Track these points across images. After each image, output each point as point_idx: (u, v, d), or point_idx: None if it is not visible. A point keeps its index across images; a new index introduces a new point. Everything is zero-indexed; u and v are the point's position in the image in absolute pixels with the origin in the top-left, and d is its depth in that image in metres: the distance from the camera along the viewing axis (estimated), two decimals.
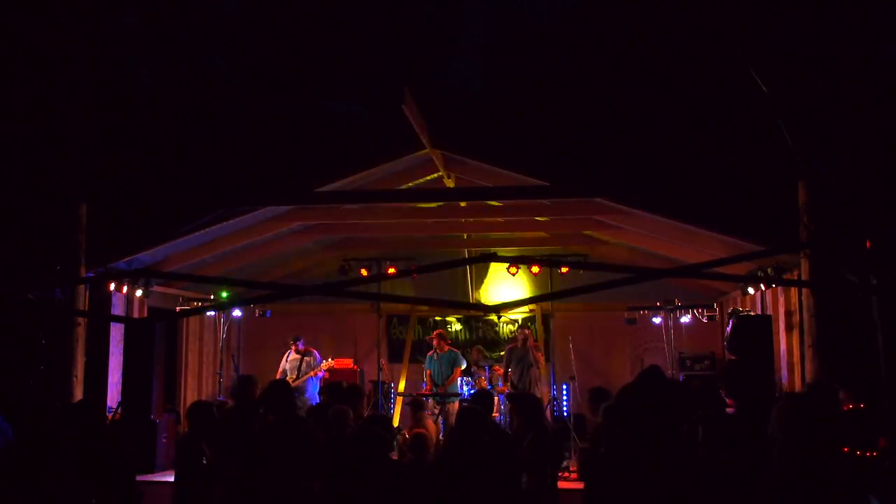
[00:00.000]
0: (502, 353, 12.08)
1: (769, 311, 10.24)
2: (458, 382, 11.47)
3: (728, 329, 10.13)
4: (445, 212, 11.50)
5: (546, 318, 13.35)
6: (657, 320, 11.68)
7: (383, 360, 12.72)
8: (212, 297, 12.22)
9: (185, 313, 11.74)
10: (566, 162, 18.09)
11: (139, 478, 6.06)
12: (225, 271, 11.77)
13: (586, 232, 12.08)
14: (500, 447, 4.12)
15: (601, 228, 11.56)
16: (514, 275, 12.79)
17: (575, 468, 9.59)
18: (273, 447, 5.26)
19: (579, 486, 7.90)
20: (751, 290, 10.80)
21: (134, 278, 10.20)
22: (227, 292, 12.28)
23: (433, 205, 11.31)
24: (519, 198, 10.42)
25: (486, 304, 13.66)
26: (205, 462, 5.68)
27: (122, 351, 10.38)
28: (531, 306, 13.35)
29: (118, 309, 10.27)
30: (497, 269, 13.53)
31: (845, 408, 6.37)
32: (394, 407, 12.78)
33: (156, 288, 11.18)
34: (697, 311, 11.59)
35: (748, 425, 4.14)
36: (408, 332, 13.84)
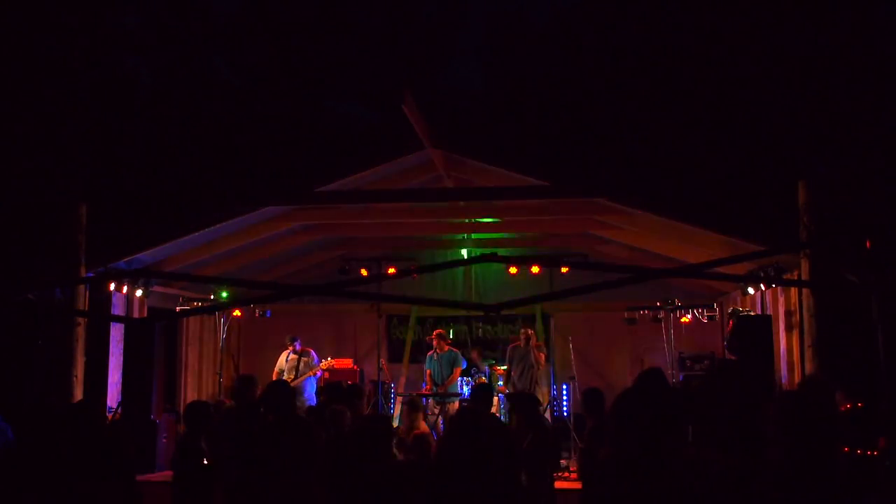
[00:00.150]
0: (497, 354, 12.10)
1: (769, 311, 10.23)
2: (458, 382, 11.47)
3: (728, 329, 10.13)
4: (445, 212, 11.50)
5: (546, 318, 13.35)
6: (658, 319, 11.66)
7: (383, 360, 12.71)
8: (212, 297, 12.22)
9: (185, 313, 11.73)
10: (566, 162, 18.08)
11: (139, 478, 6.05)
12: (225, 271, 11.77)
13: (586, 232, 12.07)
14: (499, 447, 4.12)
15: (601, 228, 11.56)
16: (514, 275, 12.79)
17: (575, 468, 9.58)
18: (273, 447, 5.26)
19: (578, 486, 7.90)
20: (751, 290, 10.80)
21: (134, 278, 10.19)
22: (227, 292, 12.29)
23: (433, 205, 11.30)
24: (519, 198, 10.41)
25: (486, 304, 13.64)
26: (204, 462, 5.67)
27: (122, 351, 10.37)
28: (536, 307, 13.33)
29: (118, 309, 10.27)
30: (497, 269, 13.52)
31: (842, 408, 6.37)
32: (394, 407, 12.78)
33: (156, 288, 11.17)
34: (697, 311, 11.59)
35: (745, 425, 4.14)
36: (408, 332, 13.85)
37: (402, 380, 13.45)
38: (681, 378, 11.53)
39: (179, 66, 20.59)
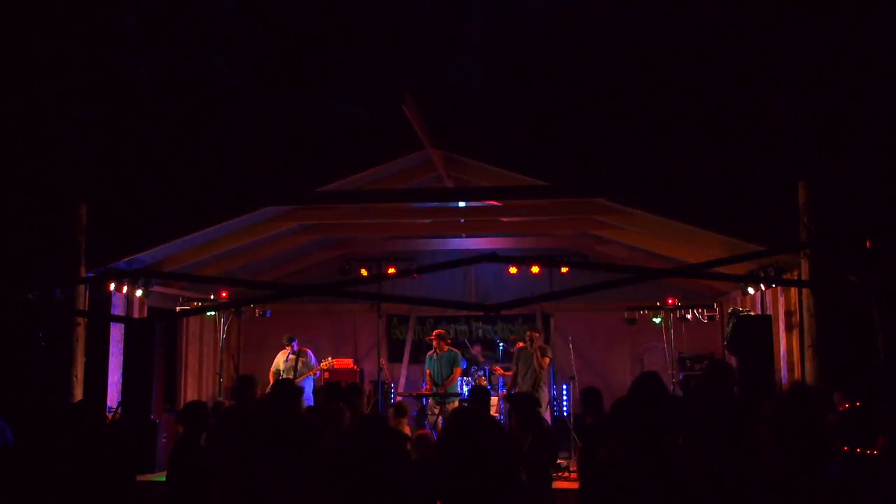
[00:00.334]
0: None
1: (769, 311, 10.23)
2: (458, 382, 11.47)
3: (728, 329, 10.13)
4: (445, 212, 11.50)
5: (546, 318, 13.35)
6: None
7: (383, 360, 12.72)
8: (212, 296, 12.23)
9: (185, 313, 11.73)
10: (566, 162, 18.07)
11: (139, 478, 6.05)
12: (225, 271, 11.77)
13: (586, 232, 12.08)
14: (497, 446, 4.13)
15: (601, 228, 11.56)
16: (514, 275, 12.80)
17: (575, 468, 9.59)
18: (280, 446, 5.26)
19: (578, 486, 7.91)
20: (751, 290, 10.80)
21: (134, 278, 10.20)
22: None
23: (433, 205, 11.31)
24: (519, 198, 10.41)
25: (486, 304, 13.65)
26: (200, 462, 5.67)
27: (122, 351, 10.38)
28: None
29: (118, 309, 10.27)
30: (497, 269, 13.52)
31: (841, 408, 6.38)
32: None
33: (156, 288, 11.18)
34: (697, 311, 11.60)
35: (740, 426, 4.15)
36: (408, 332, 13.85)
37: (402, 380, 13.46)
38: (681, 378, 11.54)
39: (179, 66, 20.59)
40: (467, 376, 11.85)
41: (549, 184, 9.80)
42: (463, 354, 11.87)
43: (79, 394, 8.95)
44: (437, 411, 10.88)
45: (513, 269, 12.73)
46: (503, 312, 13.61)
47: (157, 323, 11.80)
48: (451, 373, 11.28)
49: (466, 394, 11.01)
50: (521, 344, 11.51)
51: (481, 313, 13.43)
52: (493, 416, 7.25)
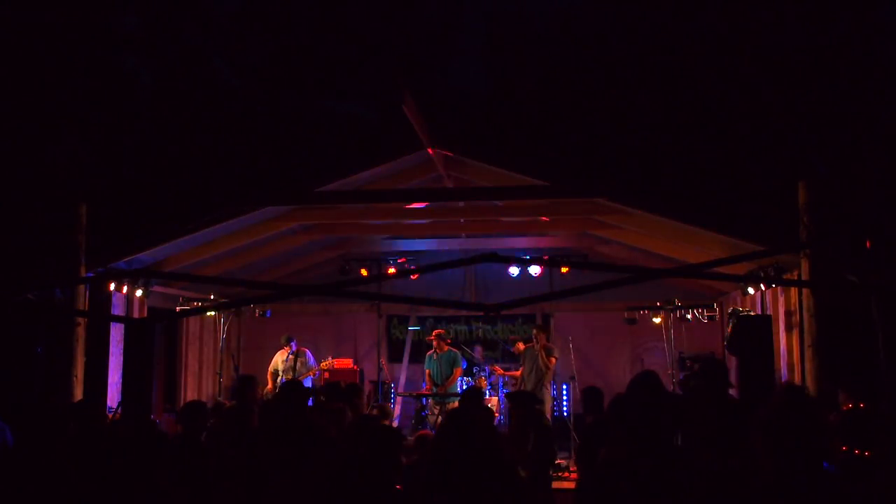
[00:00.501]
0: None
1: (769, 311, 10.24)
2: (458, 382, 11.47)
3: (728, 329, 10.13)
4: (445, 212, 11.50)
5: (546, 318, 13.35)
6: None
7: (383, 360, 12.73)
8: (212, 297, 12.24)
9: (185, 313, 11.74)
10: (566, 162, 18.07)
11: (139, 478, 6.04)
12: (225, 271, 11.77)
13: (586, 232, 12.08)
14: (492, 447, 4.13)
15: (601, 228, 11.56)
16: (514, 275, 12.79)
17: (575, 468, 9.58)
18: (282, 447, 5.26)
19: None
20: (751, 290, 10.80)
21: (134, 278, 10.20)
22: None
23: (433, 205, 11.31)
24: (519, 198, 10.41)
25: (486, 304, 13.64)
26: (196, 461, 5.66)
27: (122, 351, 10.38)
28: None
29: (118, 309, 10.27)
30: (497, 269, 13.52)
31: (844, 408, 6.37)
32: (394, 407, 12.78)
33: (156, 288, 11.18)
34: (697, 311, 11.59)
35: (736, 426, 4.15)
36: (408, 332, 13.85)
37: (402, 380, 13.46)
38: (681, 377, 11.54)
39: (179, 66, 20.59)
40: (468, 376, 11.85)
41: (549, 184, 9.80)
42: (463, 354, 11.88)
43: (79, 394, 8.94)
44: (437, 411, 10.89)
45: (513, 269, 12.73)
46: (503, 312, 13.62)
47: (157, 323, 11.81)
48: (452, 373, 11.29)
49: None
50: (521, 345, 11.52)
51: (481, 313, 13.43)
52: (489, 417, 7.24)
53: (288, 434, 5.32)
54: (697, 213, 9.69)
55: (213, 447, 5.83)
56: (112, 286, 10.05)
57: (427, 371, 11.58)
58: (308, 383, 11.38)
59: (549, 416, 10.73)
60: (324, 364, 11.87)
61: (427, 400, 11.25)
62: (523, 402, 7.22)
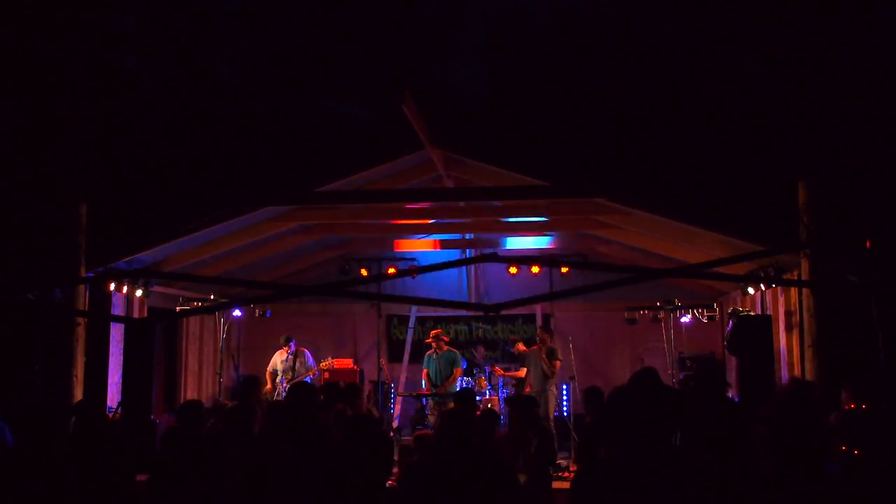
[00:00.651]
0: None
1: (769, 311, 10.23)
2: (458, 383, 11.46)
3: (728, 329, 10.13)
4: (445, 212, 11.50)
5: (546, 318, 13.35)
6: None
7: (383, 360, 12.72)
8: (212, 296, 12.23)
9: (185, 313, 11.73)
10: (566, 162, 18.08)
11: (139, 478, 6.05)
12: (225, 271, 11.77)
13: (586, 232, 12.07)
14: (488, 448, 4.14)
15: (601, 228, 11.56)
16: (514, 275, 12.79)
17: (575, 468, 9.59)
18: (287, 447, 5.26)
19: None
20: (751, 290, 10.80)
21: (134, 278, 10.19)
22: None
23: (433, 205, 11.31)
24: (519, 198, 10.41)
25: (486, 304, 13.64)
26: (191, 461, 5.65)
27: (122, 351, 10.38)
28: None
29: (118, 309, 10.27)
30: (497, 269, 13.52)
31: (847, 407, 6.37)
32: (394, 407, 12.78)
33: (156, 288, 11.18)
34: (697, 311, 11.59)
35: (734, 425, 4.15)
36: (408, 330, 13.84)
37: (402, 380, 13.45)
38: (681, 377, 11.54)
39: (179, 66, 20.60)
40: (468, 376, 11.84)
41: (549, 184, 9.79)
42: (463, 355, 11.87)
43: (79, 394, 8.94)
44: (436, 412, 10.88)
45: (513, 269, 12.72)
46: (503, 312, 13.61)
47: (157, 323, 11.80)
48: (451, 373, 11.27)
49: None
50: (522, 346, 11.51)
51: (481, 313, 13.43)
52: (491, 419, 7.25)
53: (296, 434, 5.32)
54: (697, 213, 9.69)
55: (215, 447, 5.82)
56: (112, 286, 10.05)
57: (425, 371, 11.55)
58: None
59: (551, 416, 10.74)
60: (323, 364, 11.86)
61: (427, 400, 11.24)
62: (521, 405, 7.23)
